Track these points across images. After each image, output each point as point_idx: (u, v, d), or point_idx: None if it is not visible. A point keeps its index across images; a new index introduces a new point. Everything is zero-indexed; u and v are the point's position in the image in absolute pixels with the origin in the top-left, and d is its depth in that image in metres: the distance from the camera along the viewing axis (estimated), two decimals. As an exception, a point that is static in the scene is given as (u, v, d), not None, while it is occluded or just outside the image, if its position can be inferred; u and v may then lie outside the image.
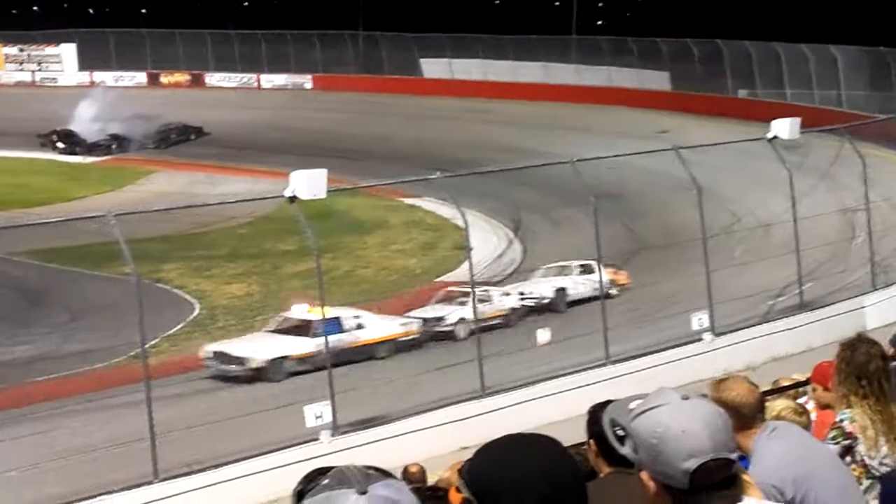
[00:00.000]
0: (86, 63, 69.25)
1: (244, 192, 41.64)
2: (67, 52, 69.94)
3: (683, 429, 2.73)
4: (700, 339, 23.33)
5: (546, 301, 30.62)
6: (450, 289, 30.94)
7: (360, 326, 27.54)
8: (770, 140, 25.33)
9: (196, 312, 32.44)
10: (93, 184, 50.25)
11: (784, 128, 25.12)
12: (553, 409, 19.06)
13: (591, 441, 4.17)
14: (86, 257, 34.50)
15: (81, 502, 17.91)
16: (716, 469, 2.74)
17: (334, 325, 26.57)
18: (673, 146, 26.09)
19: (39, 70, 70.37)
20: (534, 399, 20.84)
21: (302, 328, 27.11)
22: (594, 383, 20.61)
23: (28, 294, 33.69)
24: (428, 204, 41.82)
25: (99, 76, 66.42)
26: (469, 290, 30.02)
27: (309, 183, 19.99)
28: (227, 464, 18.99)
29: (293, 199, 20.25)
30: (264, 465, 18.77)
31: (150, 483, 18.36)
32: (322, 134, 53.78)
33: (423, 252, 38.83)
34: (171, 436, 19.31)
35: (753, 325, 24.42)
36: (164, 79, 68.20)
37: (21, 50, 70.55)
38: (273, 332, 27.97)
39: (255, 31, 66.55)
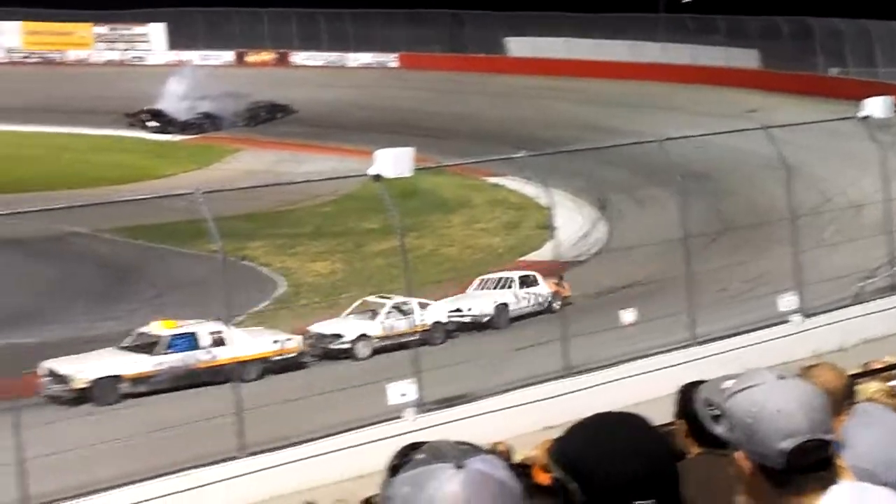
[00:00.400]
0: (174, 42, 70.03)
1: (329, 171, 41.84)
2: (156, 31, 70.75)
3: (779, 408, 2.68)
4: (787, 321, 23.03)
5: (486, 318, 28.83)
6: (366, 299, 28.45)
7: (219, 343, 25.04)
8: (862, 119, 24.90)
9: (281, 290, 32.69)
10: (180, 162, 50.79)
11: (877, 106, 24.66)
12: (637, 389, 18.90)
13: (682, 421, 4.10)
14: (173, 234, 34.91)
15: (170, 475, 18.15)
16: (812, 450, 2.69)
17: (187, 342, 25.15)
18: (761, 125, 25.76)
19: (129, 49, 71.25)
20: (618, 379, 20.71)
21: (151, 345, 25.16)
22: (679, 364, 20.43)
23: (116, 271, 34.16)
24: (512, 183, 41.74)
25: (187, 55, 67.07)
26: (384, 300, 27.95)
27: (395, 161, 20.02)
28: (311, 440, 19.13)
29: (378, 177, 20.28)
30: (348, 441, 18.89)
31: (235, 458, 18.55)
32: (407, 112, 53.85)
33: (506, 231, 38.79)
34: (257, 412, 19.48)
35: (844, 307, 24.05)
36: (250, 58, 68.70)
37: (112, 29, 71.47)
38: (124, 347, 25.42)
39: (340, 9, 66.77)
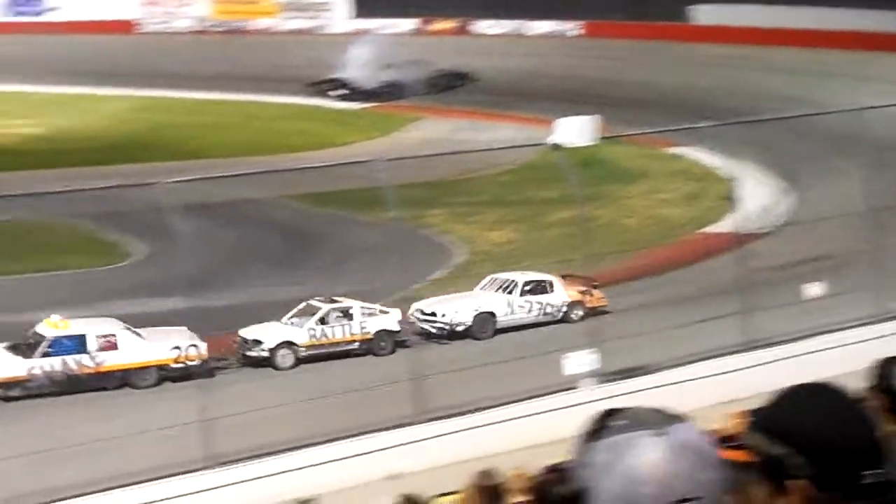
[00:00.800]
0: (357, 10, 70.78)
1: (508, 139, 41.76)
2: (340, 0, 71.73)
3: None
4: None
5: (460, 327, 25.94)
6: (310, 302, 25.86)
7: (109, 347, 23.43)
8: None
9: (459, 258, 32.80)
10: (362, 130, 51.33)
11: None
12: (822, 364, 18.42)
13: (880, 396, 3.91)
14: (353, 202, 35.28)
15: (348, 440, 18.43)
16: None
17: (72, 345, 23.19)
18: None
19: (312, 18, 72.28)
20: (802, 354, 20.26)
21: (33, 345, 23.28)
22: (867, 340, 19.86)
23: (296, 237, 34.71)
24: (693, 153, 41.07)
25: (369, 24, 67.71)
26: (323, 304, 25.45)
27: (578, 130, 19.92)
28: (488, 408, 19.19)
29: (557, 146, 20.20)
30: (525, 410, 18.89)
31: (412, 423, 18.72)
32: (587, 81, 53.45)
33: (687, 202, 38.18)
34: (433, 379, 19.63)
35: None
36: (431, 26, 69.01)
37: (299, -3, 72.65)
38: (9, 346, 23.59)
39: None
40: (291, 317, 25.38)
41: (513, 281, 26.96)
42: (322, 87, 58.01)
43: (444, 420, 18.91)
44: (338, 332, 25.07)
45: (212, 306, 25.56)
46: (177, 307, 25.19)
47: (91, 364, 23.07)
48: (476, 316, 26.04)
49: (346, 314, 25.49)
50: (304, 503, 2.73)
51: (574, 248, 26.26)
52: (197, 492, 17.38)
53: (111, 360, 23.20)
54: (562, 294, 26.87)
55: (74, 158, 43.80)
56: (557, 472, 3.94)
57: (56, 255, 31.93)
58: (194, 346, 23.73)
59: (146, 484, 17.67)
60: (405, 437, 18.50)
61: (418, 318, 26.12)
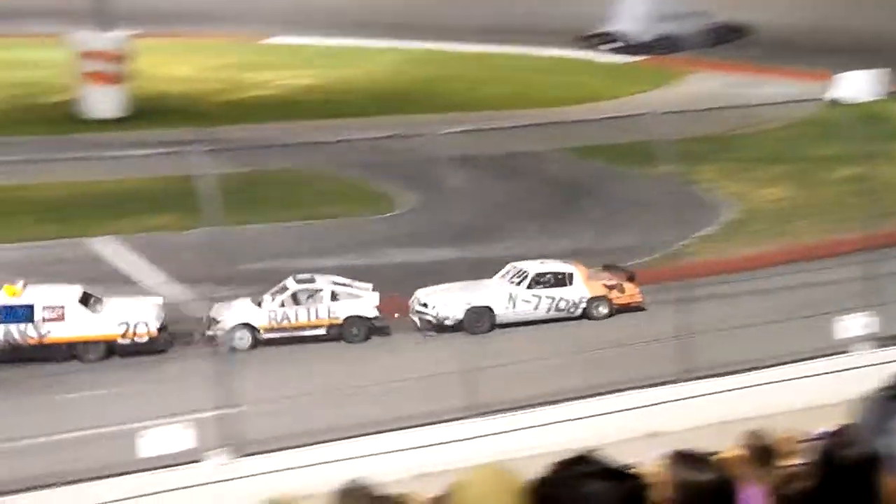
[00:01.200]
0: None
1: (783, 95, 40.39)
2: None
3: None
4: None
5: (448, 321, 23.65)
6: (285, 283, 24.08)
7: (57, 319, 22.75)
8: None
9: (730, 215, 31.97)
10: (632, 83, 50.54)
11: None
12: None
13: None
14: (622, 155, 34.85)
15: (607, 395, 18.27)
16: None
17: (21, 314, 22.66)
18: None
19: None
20: None
21: None
22: None
23: (567, 190, 34.54)
24: None
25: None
26: (293, 285, 23.82)
27: (860, 85, 19.02)
28: (753, 369, 18.71)
29: (835, 101, 19.40)
30: (792, 373, 18.33)
31: (676, 381, 18.41)
32: (869, 35, 51.07)
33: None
34: (700, 337, 19.23)
35: None
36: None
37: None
38: None
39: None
40: (274, 293, 23.85)
41: (524, 271, 24.68)
42: (592, 40, 57.47)
43: (707, 379, 18.49)
44: (301, 315, 23.48)
45: (480, 257, 25.65)
46: (445, 257, 25.46)
47: (35, 335, 22.79)
48: (469, 310, 23.88)
49: (314, 296, 23.90)
50: (584, 454, 2.55)
51: (854, 208, 25.18)
52: (455, 440, 17.51)
53: (56, 332, 22.79)
54: (580, 288, 24.59)
55: (345, 109, 44.70)
56: (842, 436, 3.59)
57: (327, 203, 32.64)
58: (143, 323, 23.02)
59: (409, 430, 17.92)
60: (668, 395, 18.19)
61: (415, 308, 24.23)
